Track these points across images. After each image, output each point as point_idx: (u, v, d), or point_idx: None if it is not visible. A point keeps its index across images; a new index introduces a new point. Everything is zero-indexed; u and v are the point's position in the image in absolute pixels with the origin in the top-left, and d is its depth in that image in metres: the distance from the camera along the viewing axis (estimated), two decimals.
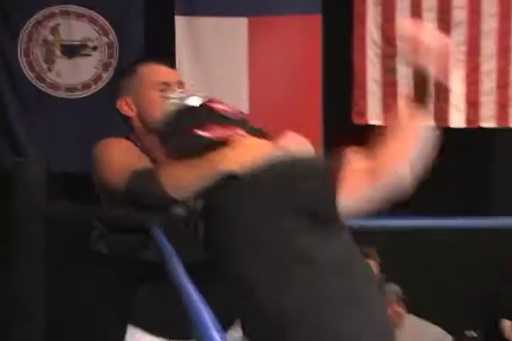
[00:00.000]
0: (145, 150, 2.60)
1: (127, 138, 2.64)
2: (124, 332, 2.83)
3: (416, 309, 5.70)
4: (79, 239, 2.94)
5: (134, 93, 2.62)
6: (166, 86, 2.61)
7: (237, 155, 2.30)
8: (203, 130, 2.34)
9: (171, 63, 5.57)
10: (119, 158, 2.52)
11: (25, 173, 3.27)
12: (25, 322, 3.06)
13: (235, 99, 5.46)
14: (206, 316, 1.63)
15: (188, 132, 2.36)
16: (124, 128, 5.70)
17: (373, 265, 5.78)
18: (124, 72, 2.78)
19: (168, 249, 2.33)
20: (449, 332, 5.61)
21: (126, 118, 2.66)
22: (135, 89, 2.62)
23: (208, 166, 2.31)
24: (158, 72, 2.67)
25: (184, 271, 2.08)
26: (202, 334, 1.54)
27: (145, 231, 2.58)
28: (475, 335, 5.39)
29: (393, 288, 5.60)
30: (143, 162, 2.52)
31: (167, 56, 5.42)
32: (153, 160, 2.56)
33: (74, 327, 5.60)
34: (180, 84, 2.69)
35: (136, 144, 2.62)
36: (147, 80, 2.64)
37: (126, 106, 2.63)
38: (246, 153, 2.31)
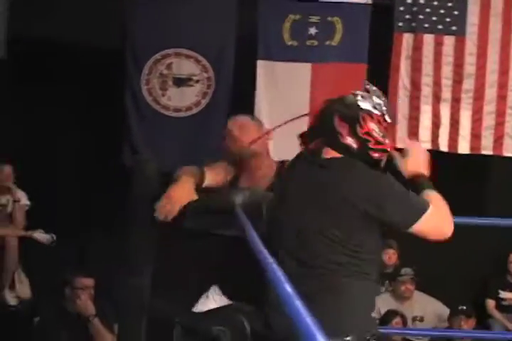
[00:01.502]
0: None
1: None
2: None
3: (423, 287, 5.95)
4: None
5: None
6: None
7: None
8: None
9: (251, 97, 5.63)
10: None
11: (145, 167, 3.10)
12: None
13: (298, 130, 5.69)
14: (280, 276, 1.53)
15: None
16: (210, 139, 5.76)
17: (394, 253, 6.08)
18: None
19: (248, 225, 2.33)
20: (447, 306, 5.82)
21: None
22: None
23: None
24: None
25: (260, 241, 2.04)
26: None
27: (229, 212, 2.61)
28: (464, 308, 5.48)
29: (407, 271, 5.84)
30: None
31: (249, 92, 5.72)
32: None
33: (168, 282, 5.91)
34: None
35: None
36: None
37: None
38: None
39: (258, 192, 2.73)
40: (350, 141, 2.44)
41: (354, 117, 2.43)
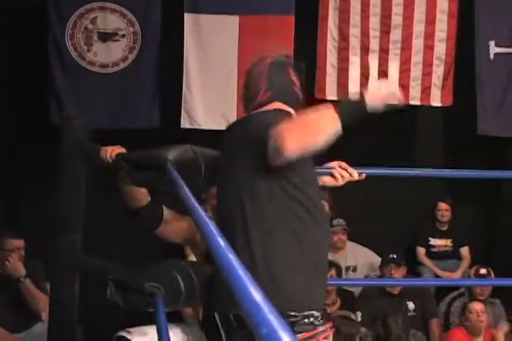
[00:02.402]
0: None
1: None
2: None
3: (355, 237, 6.05)
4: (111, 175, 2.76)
5: None
6: None
7: None
8: None
9: (180, 50, 5.66)
10: None
11: (72, 124, 3.01)
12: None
13: (227, 81, 5.64)
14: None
15: None
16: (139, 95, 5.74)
17: (325, 204, 6.12)
18: None
19: (180, 180, 2.24)
20: (379, 255, 5.87)
21: None
22: None
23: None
24: None
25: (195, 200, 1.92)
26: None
27: (161, 168, 2.54)
28: (394, 257, 5.53)
29: (339, 222, 5.87)
30: None
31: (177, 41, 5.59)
32: None
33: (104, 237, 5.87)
34: None
35: None
36: None
37: None
38: None
39: (194, 149, 2.65)
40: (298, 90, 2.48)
41: (300, 68, 2.49)
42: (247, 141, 2.30)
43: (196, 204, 1.85)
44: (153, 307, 2.53)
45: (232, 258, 1.18)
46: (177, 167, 2.51)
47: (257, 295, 0.99)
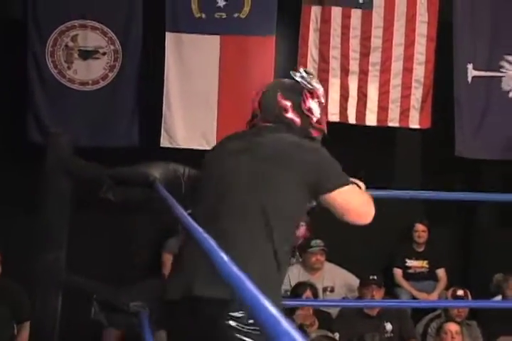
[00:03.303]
0: None
1: None
2: None
3: (333, 258, 5.99)
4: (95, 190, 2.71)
5: None
6: None
7: None
8: None
9: (161, 69, 5.63)
10: None
11: (57, 142, 2.95)
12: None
13: (207, 101, 5.66)
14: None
15: None
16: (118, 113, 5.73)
17: (304, 226, 6.10)
18: None
19: (171, 199, 2.21)
20: (356, 276, 5.81)
21: None
22: None
23: None
24: None
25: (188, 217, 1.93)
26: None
27: (148, 185, 2.53)
28: (375, 278, 5.49)
29: (317, 242, 5.85)
30: None
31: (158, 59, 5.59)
32: None
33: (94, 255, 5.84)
34: None
35: None
36: None
37: None
38: None
39: (178, 168, 2.65)
40: (293, 115, 2.44)
41: (298, 93, 2.45)
42: (284, 161, 2.31)
43: (191, 221, 1.86)
44: (138, 326, 2.50)
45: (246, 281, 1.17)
46: (164, 185, 2.51)
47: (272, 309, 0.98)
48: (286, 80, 2.51)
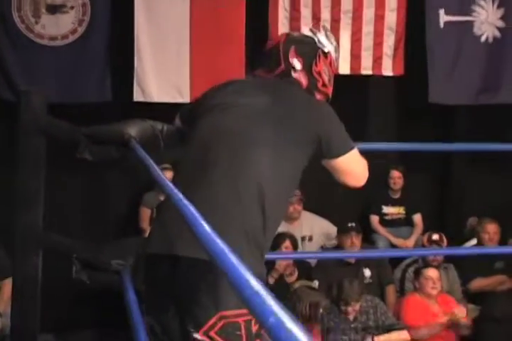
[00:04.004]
0: None
1: None
2: None
3: (310, 207, 6.04)
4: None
5: None
6: None
7: None
8: None
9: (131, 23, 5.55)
10: None
11: (29, 101, 2.82)
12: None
13: (179, 54, 5.60)
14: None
15: None
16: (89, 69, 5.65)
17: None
18: None
19: (148, 159, 2.17)
20: (334, 224, 5.92)
21: None
22: None
23: None
24: None
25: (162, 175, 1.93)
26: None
27: (123, 144, 2.47)
28: (354, 225, 5.54)
29: (295, 192, 5.55)
30: None
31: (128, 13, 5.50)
32: None
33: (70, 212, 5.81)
34: None
35: None
36: None
37: None
38: None
39: (155, 125, 2.56)
40: (301, 75, 2.39)
41: (312, 53, 2.39)
42: (293, 119, 2.25)
43: (168, 182, 1.84)
44: (119, 284, 2.46)
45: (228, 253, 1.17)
46: (139, 143, 2.45)
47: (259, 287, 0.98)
48: (304, 37, 2.44)
